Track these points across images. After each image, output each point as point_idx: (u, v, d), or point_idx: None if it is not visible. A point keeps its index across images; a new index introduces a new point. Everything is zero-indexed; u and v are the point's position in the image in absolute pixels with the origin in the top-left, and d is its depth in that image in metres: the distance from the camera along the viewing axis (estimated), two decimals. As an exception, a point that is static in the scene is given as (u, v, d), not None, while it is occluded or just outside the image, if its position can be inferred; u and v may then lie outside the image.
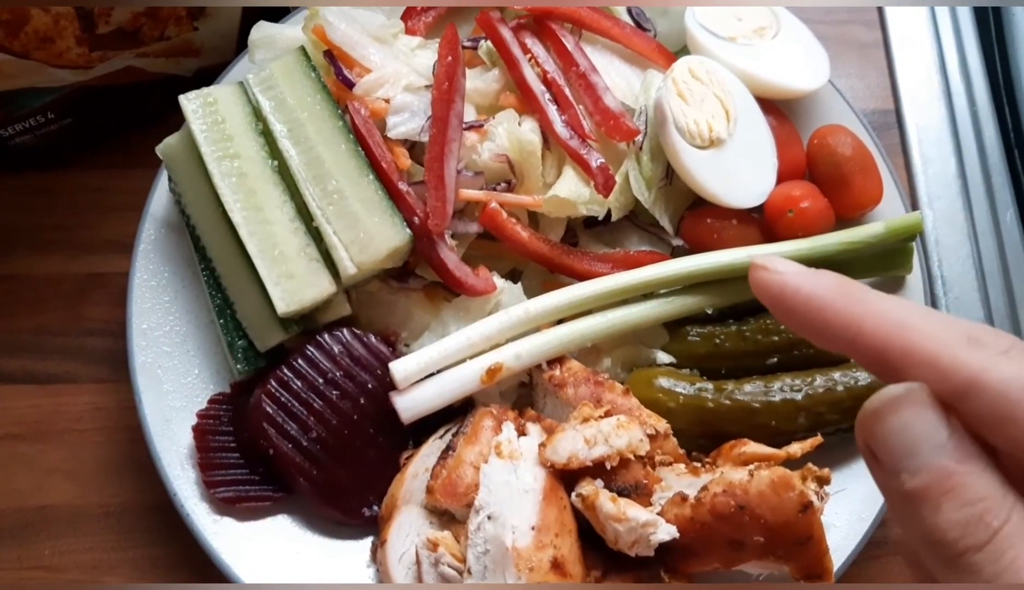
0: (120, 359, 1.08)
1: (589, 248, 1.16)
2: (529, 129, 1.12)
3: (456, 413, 1.05)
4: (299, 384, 1.03)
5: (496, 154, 1.11)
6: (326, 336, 1.05)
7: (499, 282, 1.09)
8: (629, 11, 1.25)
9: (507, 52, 1.16)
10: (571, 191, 1.10)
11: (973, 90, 1.43)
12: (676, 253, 1.16)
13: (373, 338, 1.07)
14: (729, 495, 0.84)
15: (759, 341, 1.08)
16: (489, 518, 0.86)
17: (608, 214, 1.13)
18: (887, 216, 1.15)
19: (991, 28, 1.46)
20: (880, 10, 1.49)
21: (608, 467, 0.89)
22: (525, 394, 1.10)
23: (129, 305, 1.09)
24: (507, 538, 0.84)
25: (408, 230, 1.05)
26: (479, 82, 1.17)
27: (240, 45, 1.26)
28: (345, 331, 1.06)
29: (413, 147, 1.12)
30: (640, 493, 0.90)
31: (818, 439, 0.97)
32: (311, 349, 1.04)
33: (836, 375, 1.04)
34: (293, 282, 1.03)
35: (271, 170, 1.08)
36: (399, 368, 1.01)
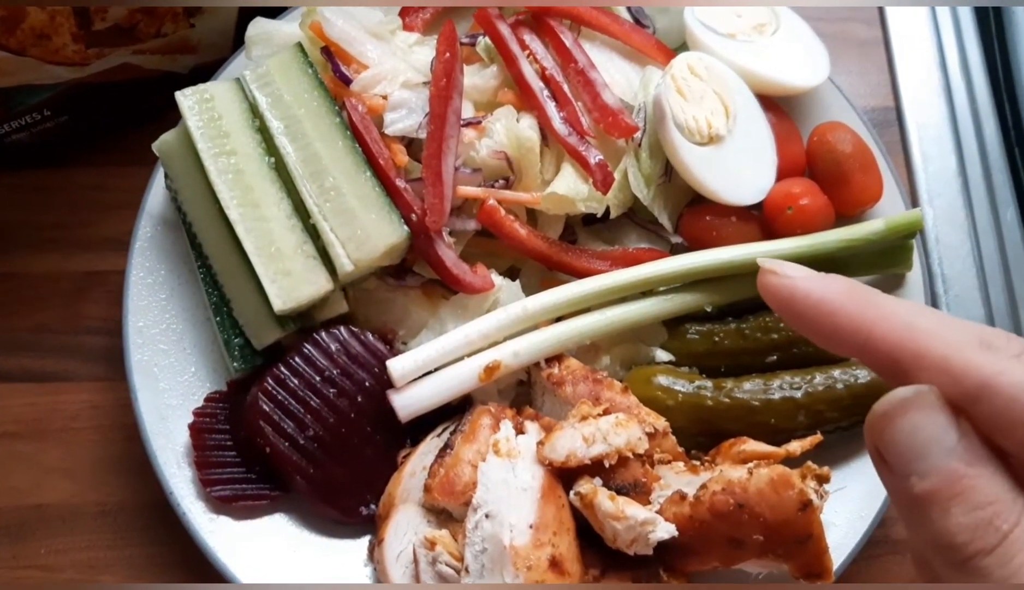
0: (118, 357, 1.08)
1: (588, 245, 1.15)
2: (527, 126, 1.12)
3: (454, 411, 1.04)
4: (296, 382, 1.03)
5: (494, 151, 1.10)
6: (323, 334, 1.05)
7: (497, 279, 1.08)
8: (628, 7, 1.25)
9: (505, 48, 1.15)
10: (569, 188, 1.09)
11: (973, 87, 1.42)
12: (675, 250, 1.16)
13: (370, 336, 1.06)
14: (728, 493, 0.84)
15: (758, 339, 1.08)
16: (487, 516, 0.86)
17: (607, 211, 1.13)
18: (887, 213, 1.14)
19: (991, 25, 1.45)
20: (880, 8, 1.49)
21: (607, 465, 0.89)
22: (523, 392, 1.09)
23: (125, 303, 1.09)
24: (505, 536, 0.84)
25: (405, 227, 1.05)
26: (477, 79, 1.17)
27: (237, 42, 1.26)
28: (342, 329, 1.06)
29: (411, 144, 1.12)
30: (639, 491, 0.89)
31: (818, 437, 0.97)
32: (308, 347, 1.04)
33: (836, 373, 1.04)
34: (290, 279, 1.03)
35: (268, 167, 1.08)
36: (396, 366, 1.01)
